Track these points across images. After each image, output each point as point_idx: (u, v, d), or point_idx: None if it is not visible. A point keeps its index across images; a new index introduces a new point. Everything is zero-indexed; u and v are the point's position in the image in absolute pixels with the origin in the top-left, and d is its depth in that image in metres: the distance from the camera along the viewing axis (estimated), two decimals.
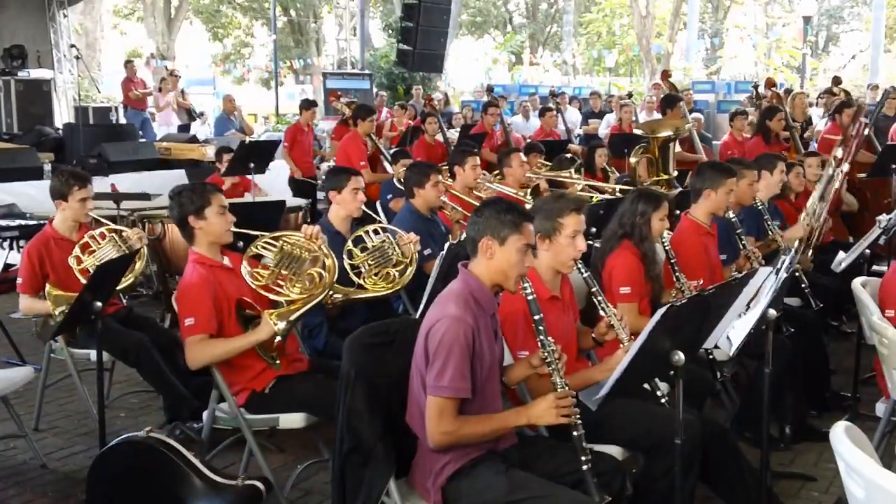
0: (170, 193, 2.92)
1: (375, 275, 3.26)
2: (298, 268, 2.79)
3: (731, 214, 3.50)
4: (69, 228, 3.52)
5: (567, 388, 2.11)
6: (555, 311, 2.52)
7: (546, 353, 2.14)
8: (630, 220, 3.07)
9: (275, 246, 2.83)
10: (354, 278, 3.25)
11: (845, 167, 4.69)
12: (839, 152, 4.67)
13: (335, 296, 3.02)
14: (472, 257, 2.17)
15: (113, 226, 3.58)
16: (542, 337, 2.14)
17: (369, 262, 3.29)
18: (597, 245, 3.33)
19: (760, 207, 3.85)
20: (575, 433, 2.07)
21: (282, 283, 2.77)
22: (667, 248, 3.14)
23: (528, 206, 2.61)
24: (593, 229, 3.55)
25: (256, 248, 2.83)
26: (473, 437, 2.08)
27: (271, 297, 2.75)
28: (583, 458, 2.06)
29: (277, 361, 2.68)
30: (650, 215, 3.06)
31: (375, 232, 3.37)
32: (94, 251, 3.41)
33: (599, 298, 2.56)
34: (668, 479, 2.20)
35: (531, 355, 2.26)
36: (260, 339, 2.64)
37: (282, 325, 2.62)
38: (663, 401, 2.46)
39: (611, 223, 3.17)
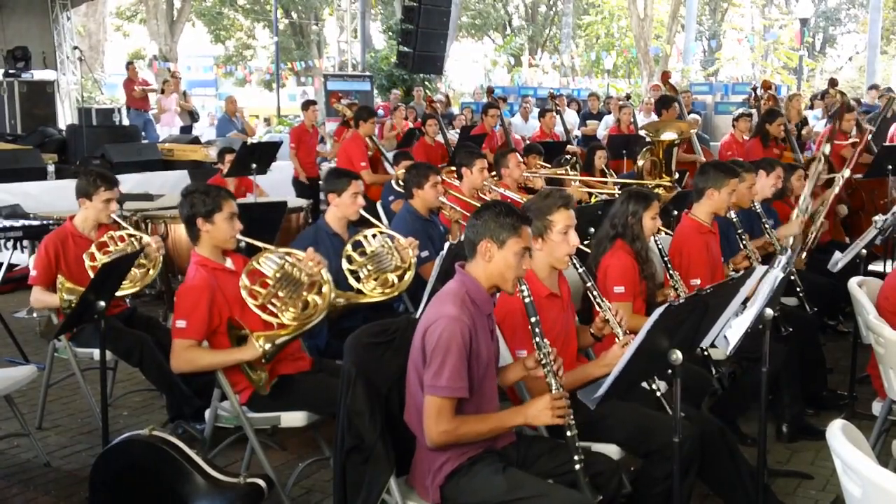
0: (182, 191, 2.93)
1: (374, 279, 3.27)
2: (295, 290, 2.78)
3: (731, 214, 3.53)
4: (89, 227, 3.54)
5: (562, 389, 2.13)
6: (554, 308, 2.54)
7: (541, 356, 2.16)
8: (622, 221, 3.10)
9: (277, 262, 2.81)
10: (354, 283, 3.27)
11: (846, 173, 4.74)
12: (827, 148, 4.73)
13: (337, 300, 3.03)
14: (470, 259, 2.18)
15: (133, 230, 3.59)
16: (538, 339, 2.16)
17: (368, 267, 3.29)
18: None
19: (758, 210, 3.88)
20: (568, 433, 2.10)
21: (276, 303, 2.76)
22: (660, 246, 3.17)
23: None
24: (591, 229, 3.58)
25: (259, 262, 2.81)
26: (471, 436, 2.09)
27: (265, 316, 2.74)
28: (575, 458, 2.08)
29: (262, 383, 2.66)
30: (641, 214, 3.09)
31: (374, 236, 3.38)
32: (109, 251, 3.43)
33: (595, 293, 2.58)
34: (666, 488, 2.22)
35: (527, 357, 2.28)
36: (244, 359, 2.64)
37: (268, 346, 2.63)
38: (659, 394, 2.48)
39: (603, 224, 3.20)
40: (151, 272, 3.44)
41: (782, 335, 3.22)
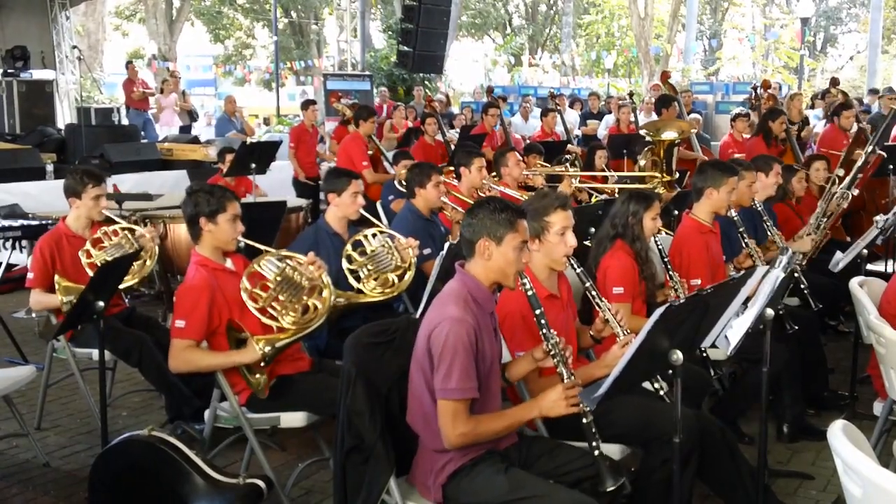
0: (187, 189, 2.93)
1: (374, 279, 3.26)
2: (295, 294, 2.77)
3: (732, 213, 3.53)
4: (82, 226, 3.54)
5: (573, 377, 2.13)
6: (554, 309, 2.54)
7: (549, 346, 2.15)
8: (622, 221, 3.10)
9: (278, 266, 2.80)
10: (354, 282, 3.26)
11: (854, 192, 4.72)
12: (841, 172, 4.70)
13: (338, 300, 3.03)
14: (469, 258, 2.17)
15: (125, 224, 3.59)
16: (544, 330, 2.16)
17: (368, 266, 3.29)
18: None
19: (760, 209, 3.87)
20: (584, 420, 2.08)
21: (277, 306, 2.75)
22: (660, 246, 3.17)
23: None
24: (592, 229, 3.58)
25: (260, 265, 2.80)
26: (489, 434, 2.09)
27: (265, 320, 2.73)
28: (593, 444, 2.06)
29: (260, 387, 2.66)
30: (642, 215, 3.09)
31: (374, 236, 3.38)
32: (104, 247, 3.43)
33: (594, 294, 2.58)
34: (666, 475, 2.21)
35: (534, 348, 2.27)
36: (244, 362, 2.64)
37: (268, 349, 2.62)
38: (661, 393, 2.47)
39: (603, 224, 3.20)
40: (149, 263, 3.45)
41: (785, 334, 3.21)
